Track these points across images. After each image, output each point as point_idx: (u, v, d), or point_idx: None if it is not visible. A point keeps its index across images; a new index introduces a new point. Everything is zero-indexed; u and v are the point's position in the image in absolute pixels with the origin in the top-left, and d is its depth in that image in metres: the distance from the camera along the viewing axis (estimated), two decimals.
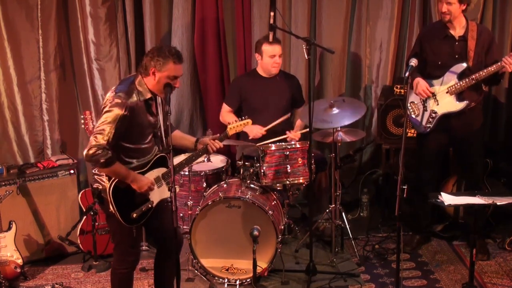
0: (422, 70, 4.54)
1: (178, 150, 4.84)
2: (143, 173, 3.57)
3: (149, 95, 3.51)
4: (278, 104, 4.97)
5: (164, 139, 3.68)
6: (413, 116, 4.61)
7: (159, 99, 3.64)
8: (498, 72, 4.32)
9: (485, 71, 4.29)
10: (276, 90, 4.98)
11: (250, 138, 4.82)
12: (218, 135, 3.87)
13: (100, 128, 3.37)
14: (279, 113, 4.92)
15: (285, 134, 4.82)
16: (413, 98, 4.60)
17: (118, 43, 5.26)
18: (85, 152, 3.37)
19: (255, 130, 4.80)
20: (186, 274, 4.46)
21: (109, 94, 3.49)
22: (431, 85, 4.49)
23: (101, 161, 3.36)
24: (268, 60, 4.86)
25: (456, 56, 4.43)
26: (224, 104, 5.09)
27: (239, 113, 5.04)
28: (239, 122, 3.89)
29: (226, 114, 5.03)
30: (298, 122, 5.05)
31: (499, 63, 4.26)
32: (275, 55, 4.85)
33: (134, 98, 3.44)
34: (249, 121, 3.93)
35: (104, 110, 3.41)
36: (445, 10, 4.36)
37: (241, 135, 5.00)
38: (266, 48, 4.84)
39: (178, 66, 3.49)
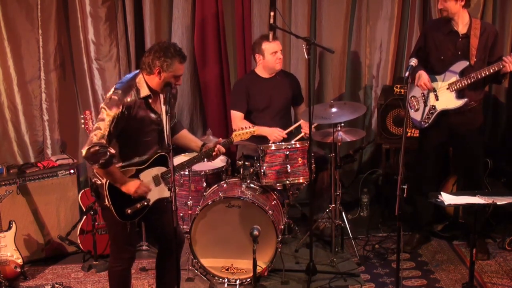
0: (426, 64, 4.55)
1: (179, 150, 4.85)
2: (142, 170, 3.58)
3: (147, 93, 3.49)
4: (280, 103, 4.99)
5: (166, 138, 3.67)
6: (413, 110, 4.62)
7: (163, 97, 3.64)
8: (500, 72, 4.32)
9: (486, 70, 4.30)
10: (278, 89, 4.99)
11: (271, 142, 4.75)
12: (220, 139, 3.86)
13: (98, 126, 3.38)
14: (281, 112, 4.97)
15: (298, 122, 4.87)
16: (414, 92, 4.62)
17: (118, 43, 5.26)
18: (85, 149, 3.37)
19: (276, 133, 4.79)
20: (186, 274, 4.46)
21: (111, 91, 3.49)
22: (434, 80, 4.49)
23: (101, 161, 3.37)
24: (271, 57, 4.87)
25: (459, 53, 4.43)
26: (234, 111, 4.98)
27: (246, 116, 5.00)
28: (244, 130, 3.87)
29: (241, 122, 4.87)
30: (303, 123, 5.04)
31: (499, 62, 4.26)
32: (277, 51, 4.87)
33: (132, 96, 3.43)
34: (255, 129, 3.90)
35: (102, 107, 3.42)
36: (441, 7, 4.39)
37: None
38: (266, 46, 4.85)
39: (183, 65, 3.49)
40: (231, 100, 5.12)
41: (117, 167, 3.49)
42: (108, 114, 3.37)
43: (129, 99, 3.41)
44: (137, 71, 3.57)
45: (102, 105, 3.44)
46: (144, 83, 3.49)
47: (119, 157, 3.50)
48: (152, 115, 3.54)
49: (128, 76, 3.57)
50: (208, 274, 4.41)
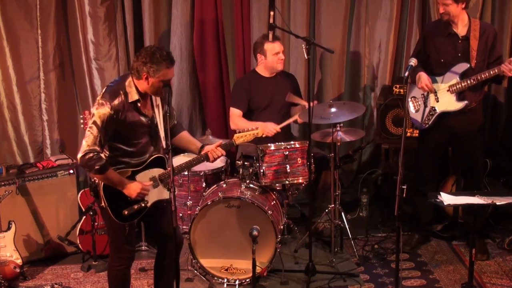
0: (425, 66, 4.55)
1: (178, 150, 4.84)
2: (138, 172, 3.57)
3: (136, 97, 3.47)
4: (280, 102, 4.98)
5: (163, 139, 3.67)
6: (413, 111, 4.62)
7: (157, 99, 3.62)
8: (499, 74, 4.32)
9: (486, 73, 4.30)
10: (278, 88, 4.98)
11: (264, 135, 4.75)
12: (221, 141, 3.84)
13: (90, 132, 3.37)
14: (281, 111, 4.97)
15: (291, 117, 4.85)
16: (414, 93, 4.62)
17: (117, 42, 5.26)
18: (79, 156, 3.37)
19: (270, 127, 4.78)
20: (186, 274, 4.45)
21: (100, 94, 3.48)
22: (434, 81, 4.50)
23: (96, 167, 3.37)
24: (273, 58, 4.87)
25: (459, 55, 4.43)
26: (233, 108, 4.96)
27: (246, 115, 4.99)
28: (247, 132, 3.82)
29: (239, 119, 4.89)
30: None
31: (500, 67, 4.26)
32: (279, 52, 4.87)
33: (120, 99, 3.42)
34: (259, 131, 3.86)
35: (92, 112, 3.42)
36: (443, 11, 4.38)
37: None
38: (268, 46, 4.85)
39: (171, 69, 3.47)
40: (232, 97, 5.10)
41: (113, 170, 3.47)
42: (98, 118, 3.37)
43: (116, 102, 3.40)
44: (128, 73, 3.55)
45: (92, 110, 3.43)
46: (134, 87, 3.47)
47: (114, 161, 3.49)
48: (142, 118, 3.53)
49: (119, 79, 3.56)
50: (207, 274, 4.41)
